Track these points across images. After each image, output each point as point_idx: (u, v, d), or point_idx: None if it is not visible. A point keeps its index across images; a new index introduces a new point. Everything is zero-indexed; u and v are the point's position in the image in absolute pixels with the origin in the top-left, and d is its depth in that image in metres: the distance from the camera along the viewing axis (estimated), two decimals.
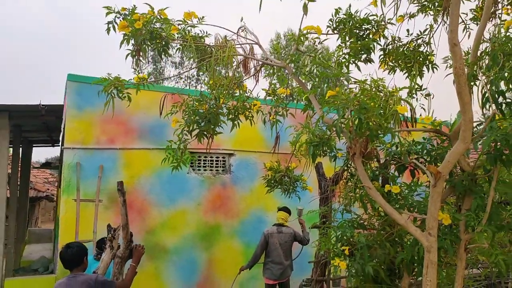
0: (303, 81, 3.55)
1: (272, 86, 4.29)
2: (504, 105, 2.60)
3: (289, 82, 4.55)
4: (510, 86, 2.54)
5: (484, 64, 2.75)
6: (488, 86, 2.53)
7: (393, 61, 3.84)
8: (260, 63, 4.05)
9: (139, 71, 3.59)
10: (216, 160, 8.71)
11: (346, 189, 3.74)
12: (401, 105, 2.54)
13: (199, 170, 8.51)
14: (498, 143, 2.56)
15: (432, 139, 3.35)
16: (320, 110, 3.11)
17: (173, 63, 22.26)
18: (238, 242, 8.54)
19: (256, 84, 4.25)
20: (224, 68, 3.75)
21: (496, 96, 2.55)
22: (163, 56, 3.26)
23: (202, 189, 8.36)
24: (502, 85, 2.73)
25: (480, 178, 2.98)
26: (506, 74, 2.55)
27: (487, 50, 2.74)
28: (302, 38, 3.21)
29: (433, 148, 3.26)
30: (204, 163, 8.59)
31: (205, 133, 3.79)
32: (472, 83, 2.82)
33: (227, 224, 8.50)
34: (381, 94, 3.25)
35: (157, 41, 3.15)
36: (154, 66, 22.32)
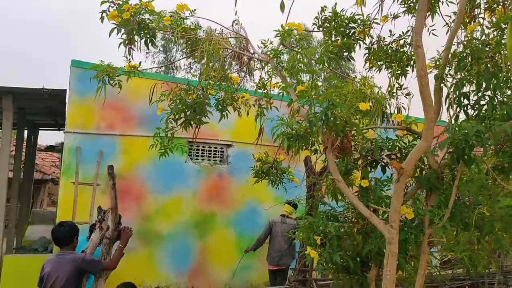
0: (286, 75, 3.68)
1: (262, 79, 4.41)
2: (468, 107, 2.71)
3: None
4: (475, 88, 2.64)
5: (452, 67, 2.85)
6: (453, 88, 2.64)
7: (377, 60, 3.94)
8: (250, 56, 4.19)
9: (130, 60, 3.71)
10: (214, 150, 8.88)
11: (326, 182, 3.87)
12: (367, 103, 2.66)
13: (196, 159, 8.69)
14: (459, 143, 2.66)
15: (405, 137, 3.47)
16: (298, 104, 3.24)
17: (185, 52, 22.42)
18: (232, 231, 8.72)
19: (244, 76, 4.37)
20: (214, 60, 3.88)
21: (461, 98, 2.66)
22: (154, 46, 3.40)
23: (198, 178, 8.54)
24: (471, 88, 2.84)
25: (447, 176, 3.09)
26: (471, 78, 2.65)
27: (456, 53, 2.84)
28: (285, 34, 3.33)
29: (405, 145, 3.38)
30: (202, 153, 8.76)
31: (191, 122, 3.93)
32: (442, 85, 2.92)
33: (222, 214, 8.68)
34: (361, 91, 3.37)
35: (145, 31, 3.29)
36: (165, 55, 22.56)
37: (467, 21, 3.45)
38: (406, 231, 3.07)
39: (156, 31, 3.36)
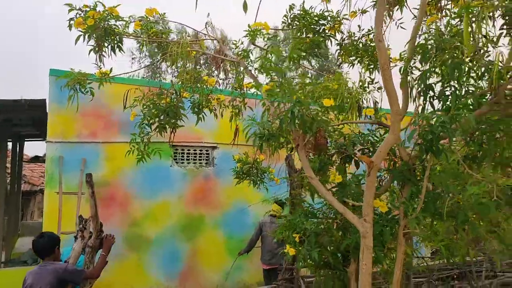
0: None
1: (238, 79, 4.41)
2: (434, 99, 2.73)
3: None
4: (440, 79, 2.66)
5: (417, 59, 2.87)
6: (419, 80, 2.65)
7: (349, 56, 3.96)
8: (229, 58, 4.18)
9: (101, 67, 3.69)
10: (199, 153, 8.85)
11: (303, 179, 3.88)
12: (329, 99, 2.66)
13: (182, 163, 8.66)
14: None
15: (377, 131, 3.49)
16: (270, 103, 3.24)
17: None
18: (220, 233, 8.70)
19: (218, 77, 4.37)
20: (186, 63, 3.86)
21: (427, 89, 2.68)
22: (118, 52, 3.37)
23: (185, 182, 8.51)
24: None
25: (419, 167, 3.11)
26: (436, 69, 2.67)
27: (419, 45, 2.85)
28: (254, 33, 3.32)
29: (377, 139, 3.40)
30: (187, 156, 8.73)
31: (166, 126, 3.91)
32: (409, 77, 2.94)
33: (210, 216, 8.66)
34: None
35: (112, 37, 3.27)
36: (151, 60, 22.43)
37: (434, 12, 3.47)
38: (381, 224, 3.09)
39: (124, 36, 3.33)
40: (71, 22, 3.58)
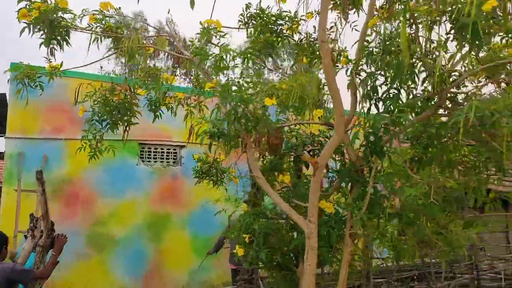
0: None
1: (194, 77, 4.36)
2: (379, 101, 2.74)
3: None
4: (387, 82, 2.67)
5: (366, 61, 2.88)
6: (363, 82, 2.66)
7: (306, 56, 3.96)
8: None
9: (51, 60, 3.58)
10: (167, 152, 8.74)
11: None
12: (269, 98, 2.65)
13: (149, 161, 8.54)
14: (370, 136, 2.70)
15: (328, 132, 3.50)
16: (220, 101, 3.20)
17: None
18: (187, 232, 8.61)
19: (178, 75, 4.30)
20: (140, 59, 3.79)
21: (371, 92, 2.69)
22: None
23: (151, 180, 8.39)
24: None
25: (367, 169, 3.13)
26: (380, 71, 2.68)
27: (363, 47, 2.87)
28: (205, 32, 3.28)
29: (328, 140, 3.41)
30: (154, 155, 8.61)
31: (120, 123, 3.83)
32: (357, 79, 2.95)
33: (177, 215, 8.56)
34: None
35: (59, 30, 3.17)
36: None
37: (386, 15, 3.50)
38: (329, 225, 3.09)
39: (72, 29, 3.24)
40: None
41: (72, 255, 7.29)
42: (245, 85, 2.78)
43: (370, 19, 2.93)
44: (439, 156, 3.15)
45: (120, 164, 8.07)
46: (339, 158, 3.33)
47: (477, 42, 2.55)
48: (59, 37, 3.20)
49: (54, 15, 3.17)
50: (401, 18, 2.36)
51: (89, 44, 3.27)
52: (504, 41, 3.20)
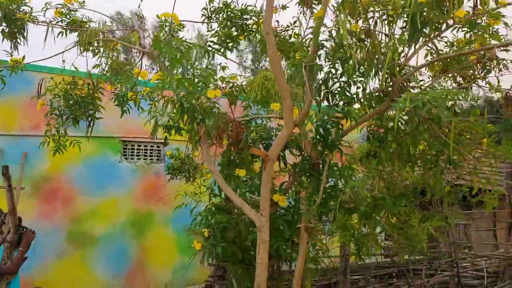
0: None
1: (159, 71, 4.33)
2: (329, 94, 2.74)
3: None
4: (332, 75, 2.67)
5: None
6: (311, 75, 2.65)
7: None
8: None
9: (12, 53, 3.57)
10: (150, 149, 8.72)
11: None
12: (216, 90, 2.64)
13: (132, 159, 8.51)
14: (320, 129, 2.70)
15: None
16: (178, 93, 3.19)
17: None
18: (170, 229, 8.58)
19: (140, 68, 4.28)
20: (105, 53, 3.77)
21: (320, 85, 2.69)
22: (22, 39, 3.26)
23: (134, 178, 8.36)
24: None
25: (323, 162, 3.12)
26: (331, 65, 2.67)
27: (316, 41, 2.86)
28: (162, 24, 3.26)
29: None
30: (137, 152, 8.59)
31: (83, 118, 3.81)
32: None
33: (160, 212, 8.53)
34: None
35: (17, 22, 3.15)
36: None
37: (349, 12, 3.49)
38: (284, 219, 3.08)
39: (29, 23, 3.22)
40: None
41: (52, 252, 7.28)
42: (196, 78, 2.76)
43: (324, 12, 2.92)
44: (398, 150, 3.15)
45: (102, 161, 8.06)
46: (299, 153, 3.32)
47: (425, 32, 2.55)
48: (15, 30, 3.18)
49: (10, 7, 3.15)
50: (341, 9, 2.34)
51: (45, 37, 3.24)
52: (467, 36, 3.21)
